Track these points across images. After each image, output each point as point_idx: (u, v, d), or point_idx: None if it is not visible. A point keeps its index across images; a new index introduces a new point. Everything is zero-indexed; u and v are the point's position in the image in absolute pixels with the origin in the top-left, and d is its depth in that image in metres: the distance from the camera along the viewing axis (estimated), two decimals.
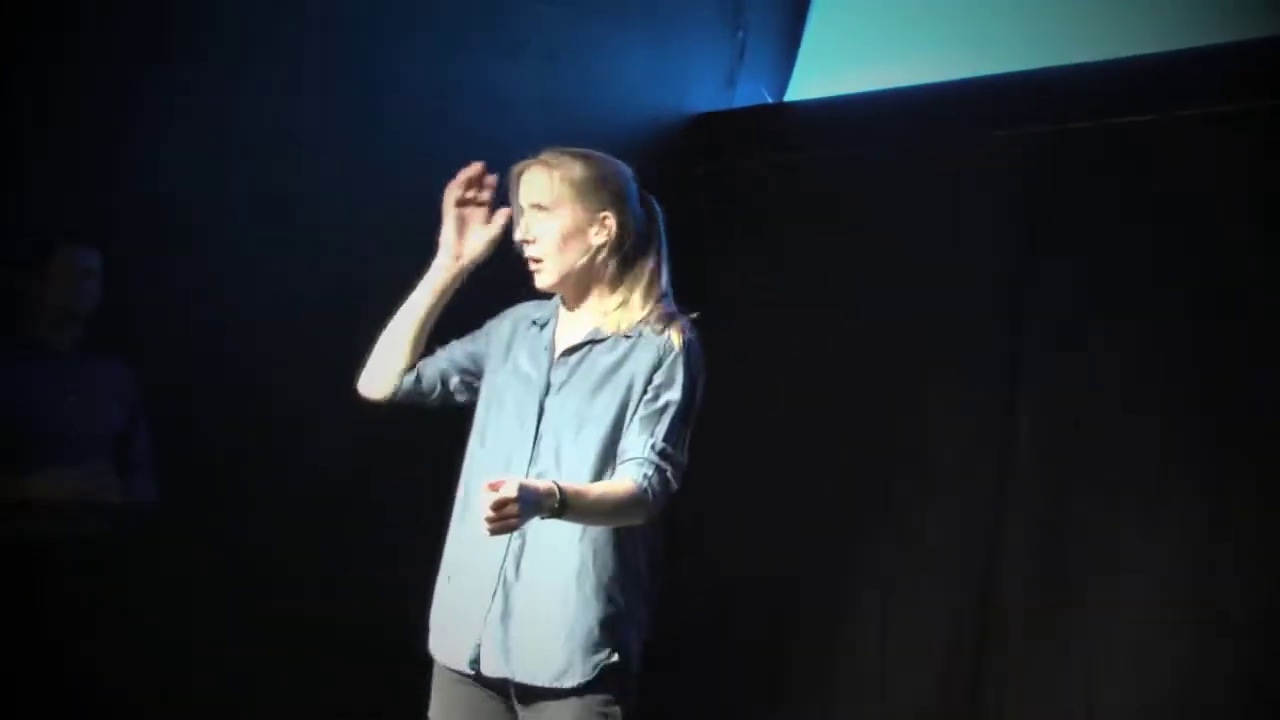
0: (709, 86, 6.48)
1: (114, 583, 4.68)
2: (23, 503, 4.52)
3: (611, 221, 3.47)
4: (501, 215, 3.56)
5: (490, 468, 3.42)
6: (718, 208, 6.17)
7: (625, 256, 3.50)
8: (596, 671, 3.39)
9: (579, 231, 3.47)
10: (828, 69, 6.42)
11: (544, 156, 3.49)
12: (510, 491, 3.07)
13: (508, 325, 3.65)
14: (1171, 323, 5.04)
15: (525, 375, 3.53)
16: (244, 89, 5.29)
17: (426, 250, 5.55)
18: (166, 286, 5.17)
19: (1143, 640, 4.97)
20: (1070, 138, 5.33)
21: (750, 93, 6.50)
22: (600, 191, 3.47)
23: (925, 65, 5.91)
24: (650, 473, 3.34)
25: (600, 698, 3.40)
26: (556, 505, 3.18)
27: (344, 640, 5.47)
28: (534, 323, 3.61)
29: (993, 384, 5.41)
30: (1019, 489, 5.31)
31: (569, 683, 3.38)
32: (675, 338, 3.44)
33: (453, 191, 3.58)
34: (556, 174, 3.45)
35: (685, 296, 3.61)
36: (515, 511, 3.08)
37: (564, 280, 3.50)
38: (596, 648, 3.40)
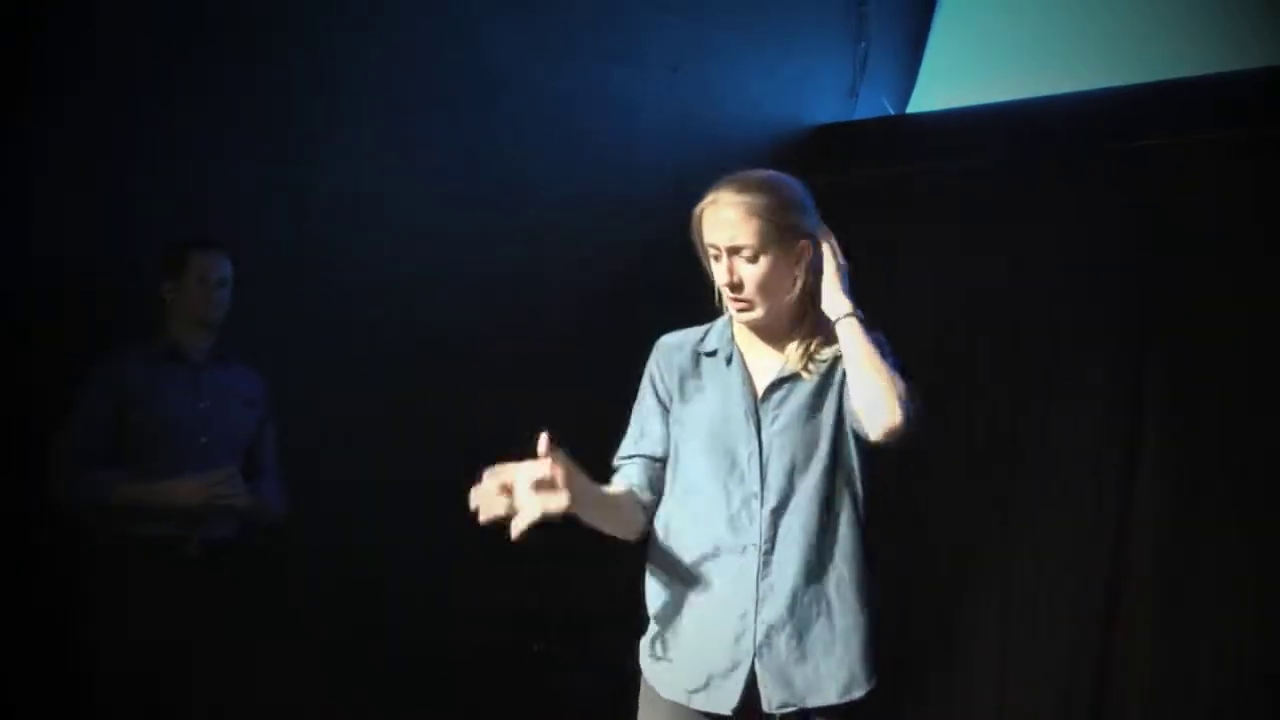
0: (831, 97, 6.44)
1: (240, 586, 4.73)
2: (153, 507, 4.57)
3: (809, 250, 3.37)
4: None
5: (716, 516, 3.39)
6: (838, 218, 6.11)
7: (816, 275, 3.40)
8: (873, 677, 3.37)
9: (787, 268, 3.34)
10: (950, 81, 6.40)
11: (727, 192, 3.32)
12: None
13: (665, 370, 3.52)
14: None
15: (728, 418, 3.42)
16: (369, 97, 5.32)
17: (559, 252, 5.67)
18: (297, 295, 5.23)
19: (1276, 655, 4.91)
20: (1188, 150, 5.29)
21: (872, 104, 6.47)
22: (795, 219, 3.34)
23: (1047, 77, 5.88)
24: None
25: (869, 703, 3.37)
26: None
27: (470, 654, 5.56)
28: (704, 355, 3.49)
29: (1116, 390, 5.39)
30: (1144, 495, 5.26)
31: (857, 694, 3.35)
32: None
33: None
34: (752, 212, 3.29)
35: None
36: None
37: (770, 315, 3.39)
38: (869, 653, 3.38)
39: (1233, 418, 5.11)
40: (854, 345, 3.30)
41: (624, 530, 3.45)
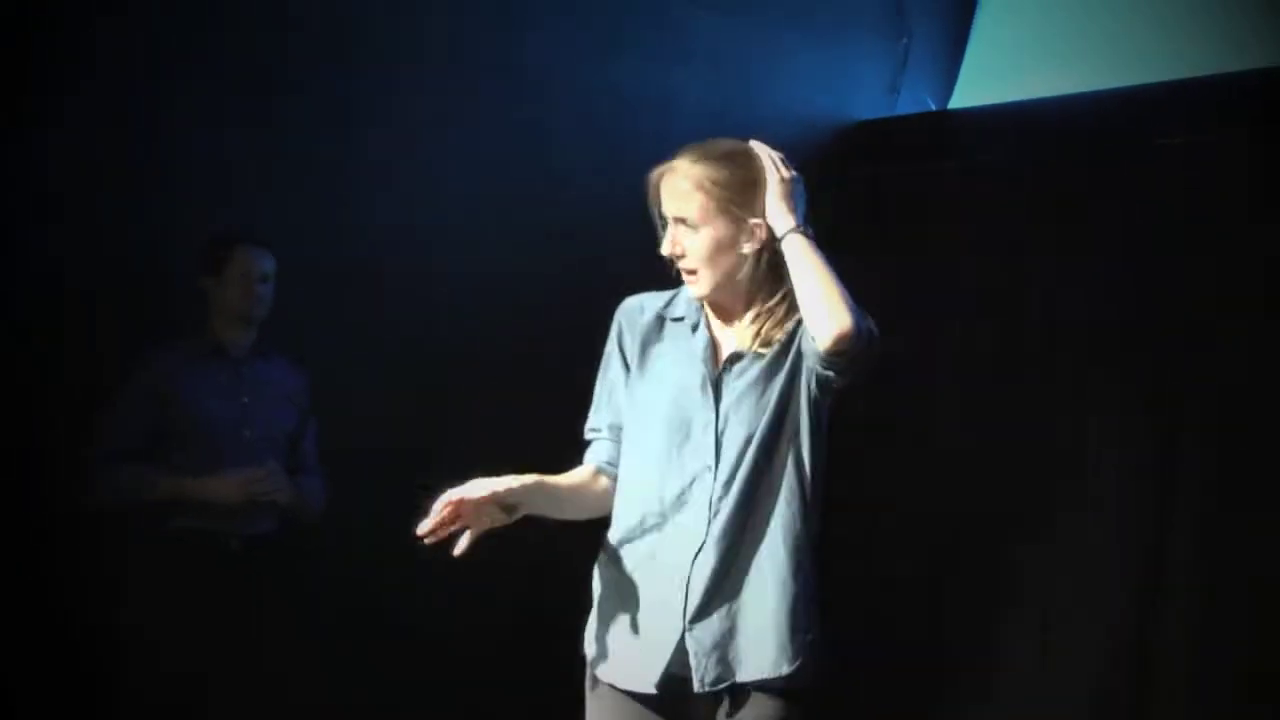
0: (872, 93, 6.42)
1: (281, 582, 4.76)
2: (194, 502, 4.59)
3: (762, 230, 3.27)
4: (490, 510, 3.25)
5: (668, 488, 3.32)
6: (879, 214, 6.12)
7: (780, 259, 3.29)
8: (805, 652, 3.28)
9: (730, 243, 3.26)
10: (992, 76, 6.36)
11: (683, 161, 3.27)
12: None
13: (627, 333, 3.47)
14: None
15: (686, 387, 3.36)
16: (411, 93, 5.33)
17: (594, 250, 5.60)
18: (337, 290, 5.24)
19: None
20: (1235, 145, 5.18)
21: (913, 100, 6.44)
22: (747, 195, 3.26)
23: (1090, 73, 5.81)
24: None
25: (803, 679, 3.29)
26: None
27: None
28: (671, 319, 3.43)
29: (1155, 390, 5.31)
30: (1182, 496, 5.17)
31: (784, 669, 3.27)
32: None
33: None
34: (699, 183, 3.24)
35: None
36: None
37: (718, 290, 3.31)
38: (803, 628, 3.30)
39: (1272, 419, 5.02)
40: (802, 261, 3.18)
41: (595, 513, 3.47)
